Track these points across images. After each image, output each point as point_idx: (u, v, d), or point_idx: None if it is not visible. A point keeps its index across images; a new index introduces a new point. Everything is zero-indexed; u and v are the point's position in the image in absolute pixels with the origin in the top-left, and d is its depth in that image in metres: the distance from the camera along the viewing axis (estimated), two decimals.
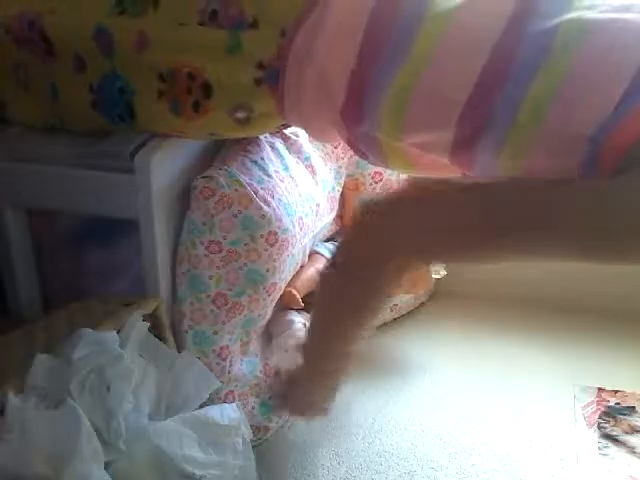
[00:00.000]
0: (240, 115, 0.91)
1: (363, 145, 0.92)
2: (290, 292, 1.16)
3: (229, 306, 1.03)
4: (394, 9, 0.80)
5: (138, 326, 0.91)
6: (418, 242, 0.77)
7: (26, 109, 1.06)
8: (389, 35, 0.80)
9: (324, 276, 0.87)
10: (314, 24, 0.83)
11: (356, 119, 0.87)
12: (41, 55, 0.98)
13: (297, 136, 1.22)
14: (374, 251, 0.78)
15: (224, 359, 1.04)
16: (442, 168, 0.85)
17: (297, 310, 1.22)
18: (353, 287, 0.82)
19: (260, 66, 0.86)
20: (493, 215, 0.70)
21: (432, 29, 0.78)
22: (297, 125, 0.98)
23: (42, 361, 0.80)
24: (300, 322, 1.19)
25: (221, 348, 1.03)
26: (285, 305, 1.17)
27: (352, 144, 0.94)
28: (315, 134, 1.02)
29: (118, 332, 0.88)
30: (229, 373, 1.05)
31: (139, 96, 0.93)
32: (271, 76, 0.86)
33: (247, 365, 1.10)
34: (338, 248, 0.86)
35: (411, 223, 0.76)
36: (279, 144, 1.18)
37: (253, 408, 1.10)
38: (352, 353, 0.90)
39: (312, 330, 0.92)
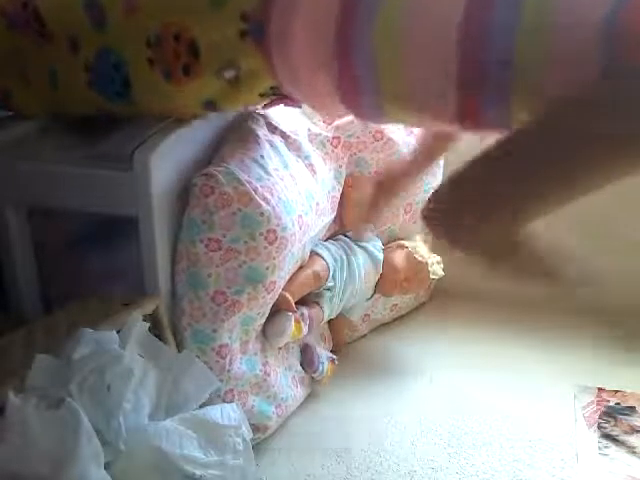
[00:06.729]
0: (228, 74, 0.92)
1: (358, 92, 0.89)
2: (284, 296, 1.16)
3: (228, 304, 1.03)
4: None
5: (138, 326, 0.91)
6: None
7: (28, 97, 1.07)
8: None
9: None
10: None
11: (349, 60, 0.85)
12: (35, 38, 0.99)
13: (297, 135, 1.22)
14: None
15: (223, 357, 1.04)
16: (442, 116, 0.84)
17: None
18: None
19: (244, 18, 0.87)
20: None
21: None
22: (288, 84, 0.95)
23: (42, 361, 0.80)
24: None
25: (220, 346, 1.03)
26: (278, 308, 1.16)
27: (345, 95, 0.91)
28: (306, 92, 0.98)
29: (118, 332, 0.88)
30: (229, 371, 1.05)
31: (132, 67, 0.94)
32: (256, 29, 0.87)
33: (247, 363, 1.10)
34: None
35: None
36: (279, 142, 1.18)
37: (253, 407, 1.10)
38: None
39: None
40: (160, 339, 0.96)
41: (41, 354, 0.81)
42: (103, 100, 0.99)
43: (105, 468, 0.78)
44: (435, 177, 1.50)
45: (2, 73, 1.07)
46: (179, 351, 1.00)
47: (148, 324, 0.93)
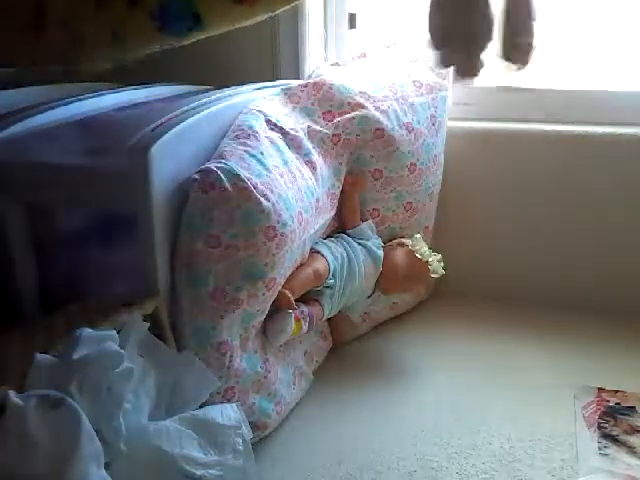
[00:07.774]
0: None
1: None
2: (284, 294, 1.15)
3: (227, 301, 1.02)
4: None
5: (138, 326, 0.90)
6: None
7: (92, 55, 1.07)
8: None
9: None
10: None
11: None
12: (92, 2, 0.97)
13: (297, 132, 1.22)
14: None
15: (223, 354, 1.04)
16: None
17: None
18: None
19: None
20: None
21: None
22: None
23: (42, 361, 0.80)
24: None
25: (219, 343, 1.03)
26: (279, 306, 1.16)
27: None
28: None
29: (118, 332, 0.87)
30: (229, 368, 1.05)
31: (201, 3, 0.93)
32: None
33: (247, 361, 1.10)
34: None
35: None
36: (278, 139, 1.17)
37: (253, 404, 1.10)
38: None
39: None
40: (160, 339, 0.96)
41: (41, 354, 0.81)
42: (175, 39, 0.98)
43: (105, 468, 0.78)
44: (435, 176, 1.50)
45: (65, 38, 1.06)
46: (179, 350, 1.00)
47: (148, 324, 0.93)
